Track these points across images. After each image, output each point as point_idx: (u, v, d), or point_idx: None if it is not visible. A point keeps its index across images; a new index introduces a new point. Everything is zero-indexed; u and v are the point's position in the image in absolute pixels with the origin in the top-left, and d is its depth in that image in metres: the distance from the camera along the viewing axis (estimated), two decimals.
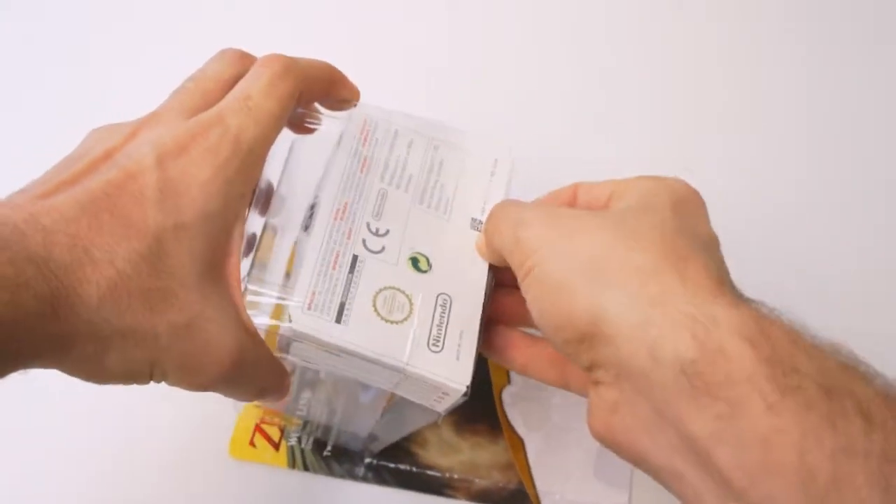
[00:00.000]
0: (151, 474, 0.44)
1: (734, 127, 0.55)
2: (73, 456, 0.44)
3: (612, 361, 0.29)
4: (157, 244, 0.29)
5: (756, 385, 0.25)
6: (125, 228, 0.29)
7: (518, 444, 0.44)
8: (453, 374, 0.33)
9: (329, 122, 0.37)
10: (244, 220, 0.33)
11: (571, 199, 0.37)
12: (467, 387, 0.33)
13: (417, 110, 0.40)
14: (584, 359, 0.30)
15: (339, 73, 0.38)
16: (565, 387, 0.36)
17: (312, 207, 0.35)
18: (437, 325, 0.33)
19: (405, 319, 0.33)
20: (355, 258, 0.34)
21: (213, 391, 0.33)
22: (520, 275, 0.32)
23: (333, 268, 0.33)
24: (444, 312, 0.34)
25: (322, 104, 0.39)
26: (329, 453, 0.45)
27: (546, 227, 0.32)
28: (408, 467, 0.44)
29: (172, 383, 0.32)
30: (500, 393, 0.45)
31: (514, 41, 0.60)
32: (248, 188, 0.32)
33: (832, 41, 0.58)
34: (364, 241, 0.35)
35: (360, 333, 0.32)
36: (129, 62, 0.61)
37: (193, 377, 0.31)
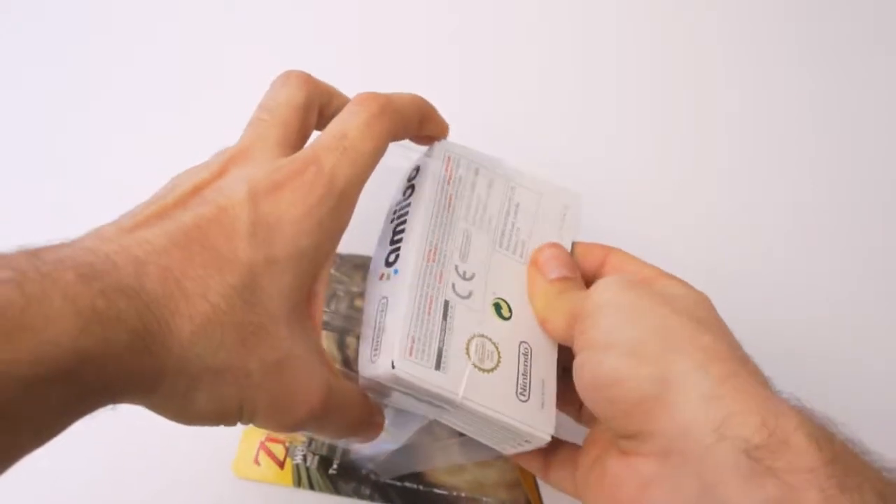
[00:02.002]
0: (154, 494, 0.44)
1: (741, 134, 0.55)
2: (75, 476, 0.44)
3: (665, 431, 0.29)
4: (250, 278, 0.29)
5: (817, 477, 0.26)
6: (218, 261, 0.29)
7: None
8: (540, 423, 0.33)
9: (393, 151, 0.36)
10: (333, 261, 0.33)
11: (600, 263, 0.37)
12: (551, 435, 0.33)
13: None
14: (631, 425, 0.30)
15: (431, 108, 0.38)
16: (544, 477, 0.37)
17: (396, 243, 0.35)
18: (523, 375, 0.33)
19: (495, 368, 0.33)
20: (447, 304, 0.33)
21: (303, 430, 0.32)
22: (579, 326, 0.32)
23: (428, 313, 0.33)
24: (526, 361, 0.34)
25: (412, 140, 0.38)
26: (335, 471, 0.44)
27: (612, 290, 0.32)
28: (414, 486, 0.44)
29: (261, 424, 0.31)
30: None
31: (518, 44, 0.60)
32: (339, 229, 0.32)
33: (840, 50, 0.58)
34: (453, 285, 0.34)
35: (460, 382, 0.32)
36: (128, 62, 0.61)
37: (283, 416, 0.31)
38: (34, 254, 0.26)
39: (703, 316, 0.32)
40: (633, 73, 0.58)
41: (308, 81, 0.35)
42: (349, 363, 0.42)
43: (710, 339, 0.30)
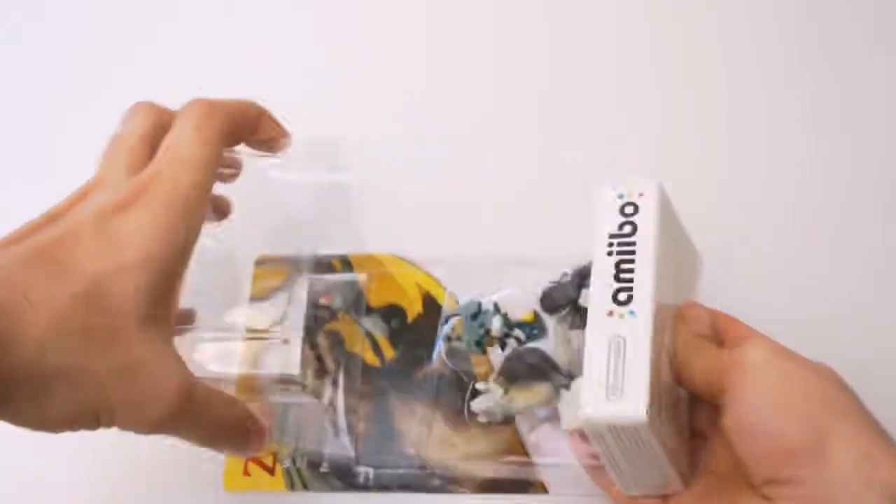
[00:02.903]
0: None
1: (741, 134, 0.55)
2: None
3: (817, 478, 0.31)
4: (96, 286, 0.30)
5: None
6: (62, 274, 0.30)
7: (512, 429, 0.43)
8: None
9: None
10: (187, 264, 0.34)
11: (710, 326, 0.38)
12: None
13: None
14: (784, 471, 0.32)
15: (264, 110, 0.40)
16: None
17: (626, 282, 0.35)
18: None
19: None
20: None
21: (167, 433, 0.33)
22: (731, 379, 0.34)
23: (659, 360, 0.35)
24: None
25: (252, 146, 0.40)
26: (326, 469, 0.44)
27: (768, 351, 0.35)
28: (407, 470, 0.44)
29: (122, 426, 0.32)
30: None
31: (518, 44, 0.60)
32: (189, 231, 0.34)
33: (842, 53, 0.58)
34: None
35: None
36: (128, 62, 0.61)
37: (140, 416, 0.32)
38: None
39: (844, 391, 0.35)
40: (633, 73, 0.58)
41: (152, 110, 0.37)
42: (322, 359, 0.42)
43: (864, 411, 0.33)
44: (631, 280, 0.34)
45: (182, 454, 0.35)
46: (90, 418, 0.31)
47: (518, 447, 0.43)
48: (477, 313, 0.42)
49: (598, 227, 0.37)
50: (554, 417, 0.40)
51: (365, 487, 0.44)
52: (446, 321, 0.43)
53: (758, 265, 0.48)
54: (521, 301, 0.42)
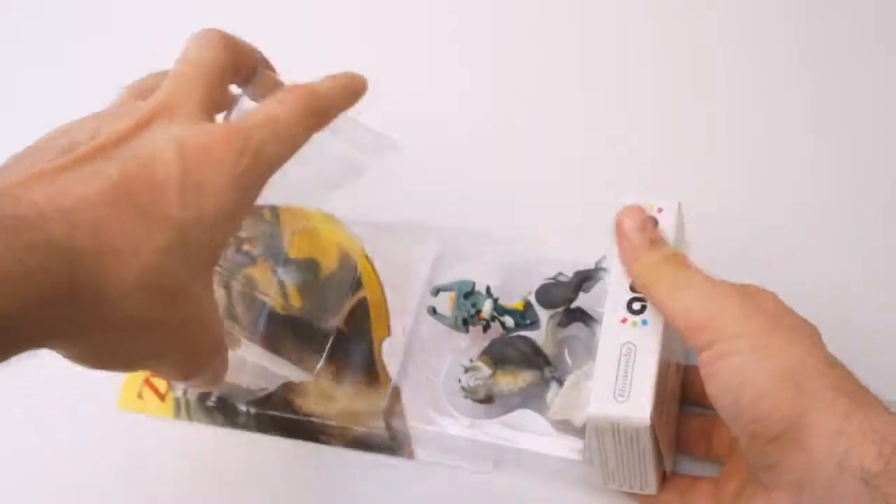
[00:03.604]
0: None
1: (741, 135, 0.55)
2: None
3: (799, 466, 0.31)
4: (180, 236, 0.30)
5: None
6: (150, 220, 0.29)
7: (395, 393, 0.44)
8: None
9: None
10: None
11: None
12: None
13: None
14: (769, 457, 0.32)
15: (362, 82, 0.40)
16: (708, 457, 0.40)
17: (642, 301, 0.37)
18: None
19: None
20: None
21: (188, 382, 0.34)
22: (705, 354, 0.33)
23: (666, 369, 0.37)
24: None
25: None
26: (213, 404, 0.46)
27: (745, 317, 0.33)
28: (287, 415, 0.45)
29: (164, 374, 0.33)
30: (381, 343, 0.46)
31: (518, 44, 0.60)
32: (254, 199, 0.33)
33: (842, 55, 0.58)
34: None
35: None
36: (128, 62, 0.61)
37: (187, 368, 0.33)
38: None
39: (827, 352, 0.33)
40: (633, 73, 0.58)
41: (232, 45, 0.37)
42: (233, 306, 0.43)
43: (838, 373, 0.32)
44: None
45: (80, 372, 0.35)
46: (145, 366, 0.32)
47: (395, 411, 0.44)
48: (469, 293, 0.44)
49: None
50: (527, 404, 0.42)
51: (245, 426, 0.46)
52: (436, 293, 0.45)
53: (757, 265, 0.48)
54: (511, 290, 0.44)
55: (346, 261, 0.46)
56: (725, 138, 0.54)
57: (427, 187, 0.52)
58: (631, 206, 0.38)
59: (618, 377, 0.35)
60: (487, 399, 0.42)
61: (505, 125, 0.56)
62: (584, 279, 0.42)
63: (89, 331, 0.28)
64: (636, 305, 0.36)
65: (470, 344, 0.44)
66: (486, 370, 0.41)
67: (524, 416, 0.42)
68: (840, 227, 0.50)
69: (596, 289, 0.42)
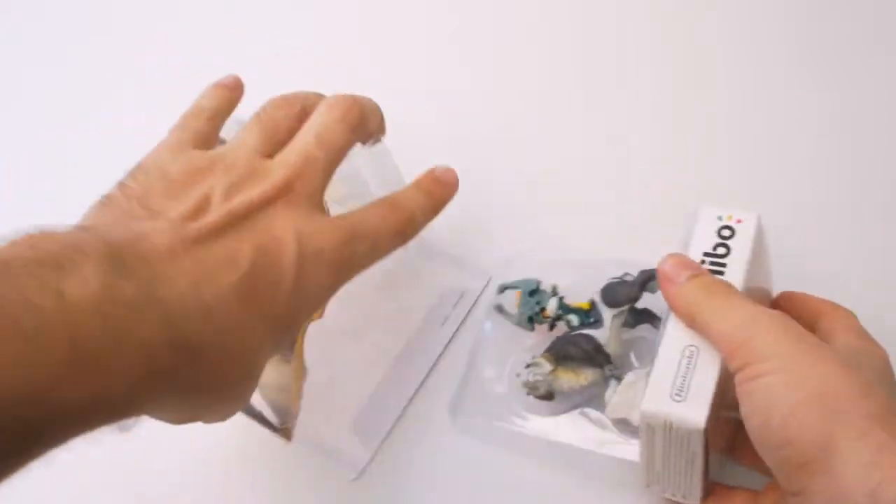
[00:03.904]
0: None
1: (742, 136, 0.55)
2: None
3: (826, 492, 0.31)
4: (277, 333, 0.33)
5: None
6: (265, 321, 0.32)
7: (301, 374, 0.43)
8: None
9: None
10: None
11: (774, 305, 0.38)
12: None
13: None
14: (796, 481, 0.32)
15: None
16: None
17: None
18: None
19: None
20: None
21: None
22: (740, 374, 0.33)
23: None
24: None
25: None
26: None
27: (781, 341, 0.33)
28: None
29: (209, 420, 0.35)
30: (309, 323, 0.45)
31: (518, 44, 0.60)
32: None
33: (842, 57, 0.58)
34: None
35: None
36: (128, 62, 0.61)
37: (233, 410, 0.35)
38: (113, 283, 0.27)
39: (873, 376, 0.33)
40: (633, 73, 0.58)
41: (364, 126, 0.38)
42: None
43: (875, 403, 0.31)
44: None
45: None
46: (200, 419, 0.34)
47: (297, 392, 0.43)
48: (535, 290, 0.44)
49: (693, 243, 0.39)
50: (589, 403, 0.42)
51: None
52: (501, 290, 0.45)
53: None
54: (577, 290, 0.45)
55: None
56: (724, 138, 0.54)
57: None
58: (671, 255, 0.38)
59: (677, 377, 0.35)
60: (548, 395, 0.42)
61: (503, 125, 0.56)
62: (649, 278, 0.42)
63: (182, 406, 0.31)
64: None
65: (536, 342, 0.44)
66: (546, 366, 0.42)
67: (586, 414, 0.42)
68: (840, 227, 0.50)
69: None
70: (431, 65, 0.59)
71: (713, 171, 0.52)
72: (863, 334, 0.36)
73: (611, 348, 0.42)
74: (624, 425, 0.40)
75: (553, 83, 0.58)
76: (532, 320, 0.44)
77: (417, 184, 0.39)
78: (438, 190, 0.39)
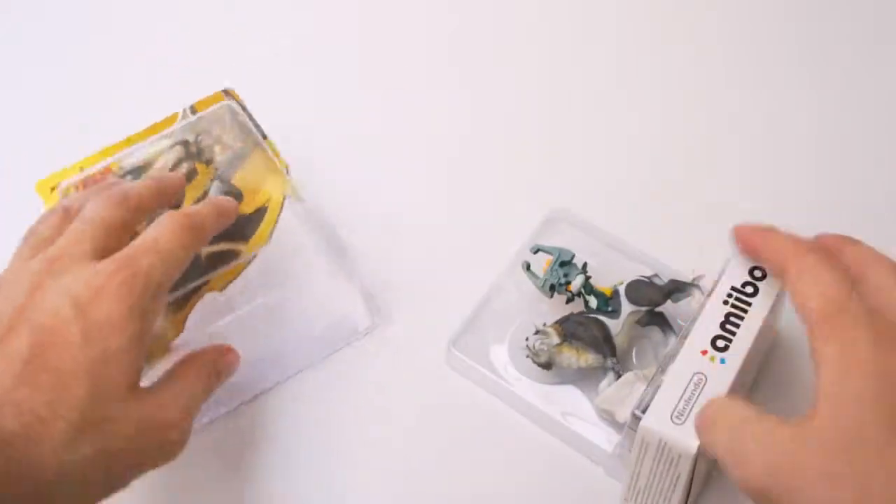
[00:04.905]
0: None
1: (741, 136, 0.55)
2: None
3: None
4: (94, 377, 0.33)
5: None
6: (62, 380, 0.33)
7: (175, 333, 0.43)
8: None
9: None
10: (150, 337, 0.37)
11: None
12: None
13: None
14: None
15: (233, 206, 0.42)
16: None
17: (729, 331, 0.37)
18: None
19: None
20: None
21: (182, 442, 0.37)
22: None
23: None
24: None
25: None
26: None
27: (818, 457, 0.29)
28: None
29: (162, 461, 0.36)
30: (204, 294, 0.44)
31: (518, 44, 0.60)
32: (157, 315, 0.37)
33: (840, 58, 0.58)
34: None
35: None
36: (128, 62, 0.61)
37: (169, 456, 0.36)
38: None
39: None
40: (633, 73, 0.58)
41: (134, 205, 0.39)
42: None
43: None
44: (734, 333, 0.37)
45: None
46: (134, 474, 0.35)
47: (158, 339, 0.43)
48: (567, 262, 0.45)
49: (724, 277, 0.39)
50: (579, 384, 0.43)
51: None
52: (535, 251, 0.46)
53: None
54: (604, 273, 0.45)
55: (258, 213, 0.45)
56: (725, 138, 0.54)
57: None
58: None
59: (681, 400, 0.35)
60: (547, 365, 0.43)
61: (502, 125, 0.56)
62: (676, 289, 0.44)
63: (47, 496, 0.32)
64: (720, 343, 0.37)
65: (549, 310, 0.45)
66: (555, 338, 0.43)
67: (572, 393, 0.43)
68: (840, 227, 0.50)
69: (683, 302, 0.44)
70: (431, 64, 0.59)
71: (713, 170, 0.53)
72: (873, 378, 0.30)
73: (619, 341, 0.43)
74: (608, 417, 0.42)
75: (553, 83, 0.58)
76: (554, 289, 0.45)
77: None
78: (216, 201, 0.42)
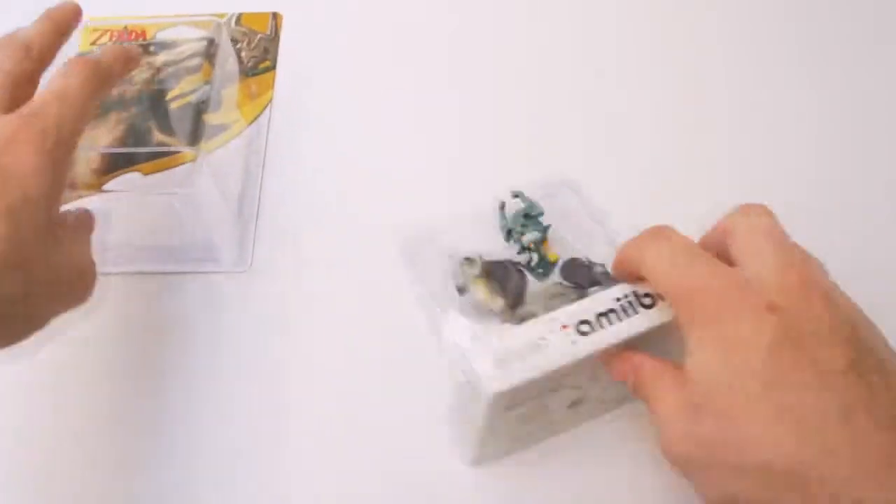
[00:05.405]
0: None
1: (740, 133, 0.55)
2: None
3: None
4: (13, 223, 0.34)
5: None
6: None
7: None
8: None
9: None
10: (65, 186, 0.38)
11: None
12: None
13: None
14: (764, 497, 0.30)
15: (136, 50, 0.44)
16: None
17: (592, 331, 0.38)
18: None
19: None
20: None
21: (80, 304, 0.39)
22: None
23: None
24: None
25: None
26: None
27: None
28: None
29: (66, 308, 0.38)
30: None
31: (518, 44, 0.60)
32: (68, 165, 0.37)
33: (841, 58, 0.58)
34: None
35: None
36: None
37: (83, 298, 0.39)
38: None
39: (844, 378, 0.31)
40: (633, 73, 0.58)
41: (21, 49, 0.40)
42: None
43: (871, 412, 0.29)
44: (602, 327, 0.37)
45: None
46: (43, 320, 0.37)
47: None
48: (532, 217, 0.47)
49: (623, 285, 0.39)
50: (478, 319, 0.45)
51: None
52: (515, 196, 0.48)
53: None
54: (562, 243, 0.47)
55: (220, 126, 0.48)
56: (725, 138, 0.54)
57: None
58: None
59: (515, 352, 0.36)
60: (460, 290, 0.45)
61: (502, 125, 0.56)
62: (599, 283, 0.45)
63: None
64: (584, 328, 0.37)
65: (491, 249, 0.47)
66: (476, 270, 0.45)
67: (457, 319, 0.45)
68: (840, 227, 0.50)
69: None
70: (431, 64, 0.59)
71: (711, 171, 0.53)
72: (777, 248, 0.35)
73: (530, 300, 0.45)
74: (482, 309, 0.44)
75: (553, 83, 0.58)
76: (511, 235, 0.47)
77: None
78: (119, 47, 0.43)
